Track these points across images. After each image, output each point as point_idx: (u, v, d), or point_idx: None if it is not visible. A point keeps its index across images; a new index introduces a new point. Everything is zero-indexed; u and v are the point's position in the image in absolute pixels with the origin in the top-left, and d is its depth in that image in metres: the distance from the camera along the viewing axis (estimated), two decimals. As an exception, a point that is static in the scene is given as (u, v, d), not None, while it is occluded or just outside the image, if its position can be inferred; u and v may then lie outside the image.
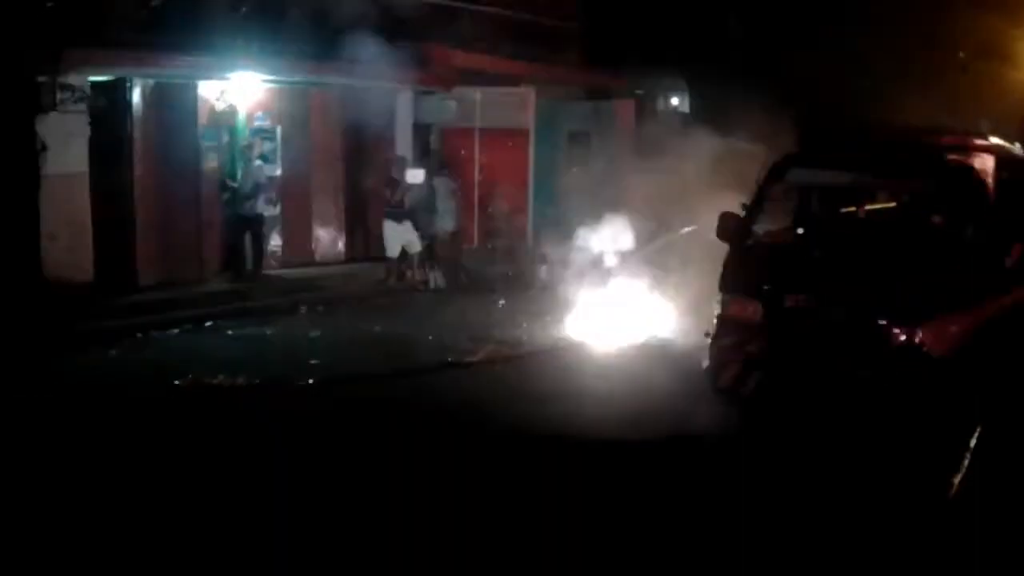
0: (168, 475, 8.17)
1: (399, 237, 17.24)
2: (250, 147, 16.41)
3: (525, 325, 14.30)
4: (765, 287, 9.28)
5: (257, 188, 15.99)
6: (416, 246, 17.38)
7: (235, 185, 15.88)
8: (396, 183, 17.37)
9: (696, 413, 9.56)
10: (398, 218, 17.18)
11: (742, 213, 9.84)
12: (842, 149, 10.06)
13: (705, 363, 9.76)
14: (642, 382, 11.27)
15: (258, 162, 16.26)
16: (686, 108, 23.91)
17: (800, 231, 10.22)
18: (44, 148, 13.30)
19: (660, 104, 23.59)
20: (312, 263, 17.79)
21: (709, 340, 9.67)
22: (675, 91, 23.72)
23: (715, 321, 9.61)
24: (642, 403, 10.38)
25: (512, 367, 12.37)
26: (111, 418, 9.67)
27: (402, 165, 17.89)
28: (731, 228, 9.71)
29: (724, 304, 9.53)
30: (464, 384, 11.61)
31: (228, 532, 7.11)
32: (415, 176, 17.42)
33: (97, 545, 6.90)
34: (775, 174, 9.94)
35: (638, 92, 22.43)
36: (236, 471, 8.26)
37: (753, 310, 9.24)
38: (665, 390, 10.66)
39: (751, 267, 9.54)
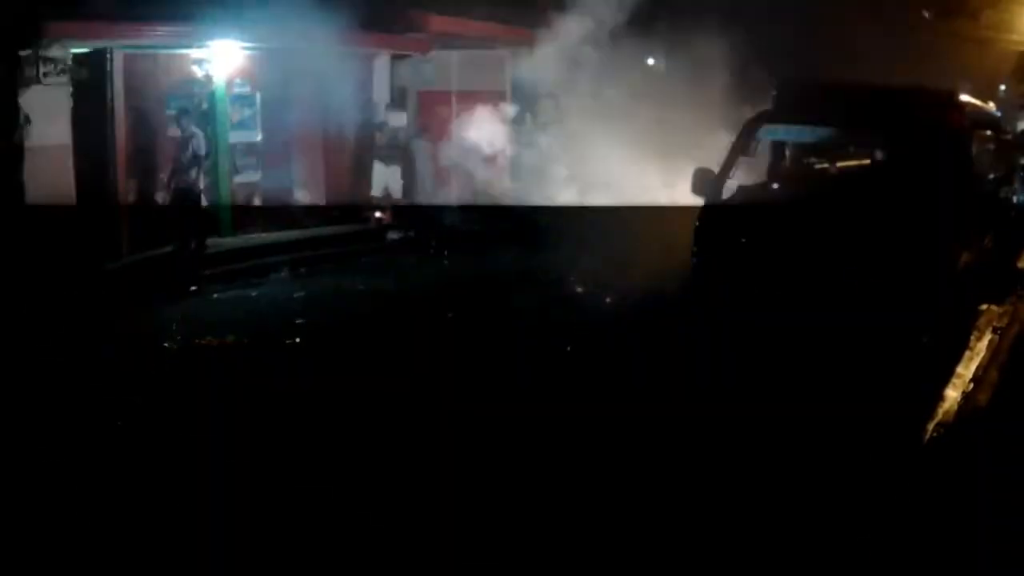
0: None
1: (385, 178, 17.89)
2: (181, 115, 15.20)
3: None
4: (737, 240, 9.58)
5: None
6: (397, 192, 18.00)
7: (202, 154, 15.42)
8: (382, 126, 18.02)
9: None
10: (386, 161, 17.87)
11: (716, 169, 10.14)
12: (811, 106, 10.28)
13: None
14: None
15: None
16: (662, 69, 24.08)
17: (771, 186, 10.51)
18: (28, 121, 13.40)
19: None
20: (295, 226, 17.95)
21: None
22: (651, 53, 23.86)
23: (691, 272, 9.95)
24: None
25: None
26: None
27: (388, 109, 18.73)
28: (704, 183, 10.00)
29: (699, 256, 9.85)
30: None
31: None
32: (399, 119, 18.04)
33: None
34: (748, 130, 10.21)
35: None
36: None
37: (725, 261, 9.56)
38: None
39: (723, 221, 9.83)
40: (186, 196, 14.99)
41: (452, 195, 19.50)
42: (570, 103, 20.08)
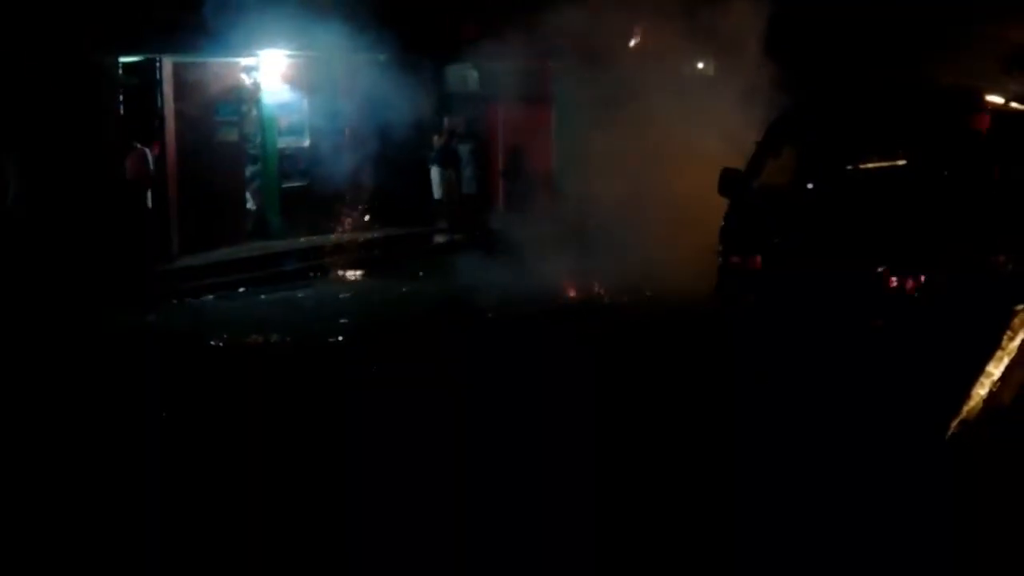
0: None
1: (439, 182, 18.23)
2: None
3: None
4: (763, 239, 9.64)
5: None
6: (450, 195, 18.32)
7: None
8: (436, 131, 18.65)
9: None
10: (443, 164, 18.20)
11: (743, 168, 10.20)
12: (837, 107, 10.32)
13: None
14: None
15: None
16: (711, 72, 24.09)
17: (798, 186, 10.53)
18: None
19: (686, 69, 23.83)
20: (342, 229, 18.26)
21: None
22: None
23: (717, 272, 10.02)
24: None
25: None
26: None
27: (440, 115, 19.27)
28: (731, 183, 10.08)
29: (724, 255, 9.94)
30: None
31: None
32: (453, 124, 18.36)
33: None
34: (774, 130, 10.28)
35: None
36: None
37: (751, 261, 9.63)
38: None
39: (750, 220, 9.89)
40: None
41: (502, 198, 19.73)
42: (613, 108, 20.20)
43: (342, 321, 12.88)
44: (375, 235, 18.14)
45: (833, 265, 9.29)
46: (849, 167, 10.51)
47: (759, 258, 9.64)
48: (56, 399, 9.37)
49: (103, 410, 9.11)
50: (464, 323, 12.41)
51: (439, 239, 18.63)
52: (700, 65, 24.29)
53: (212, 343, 11.85)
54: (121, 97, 14.31)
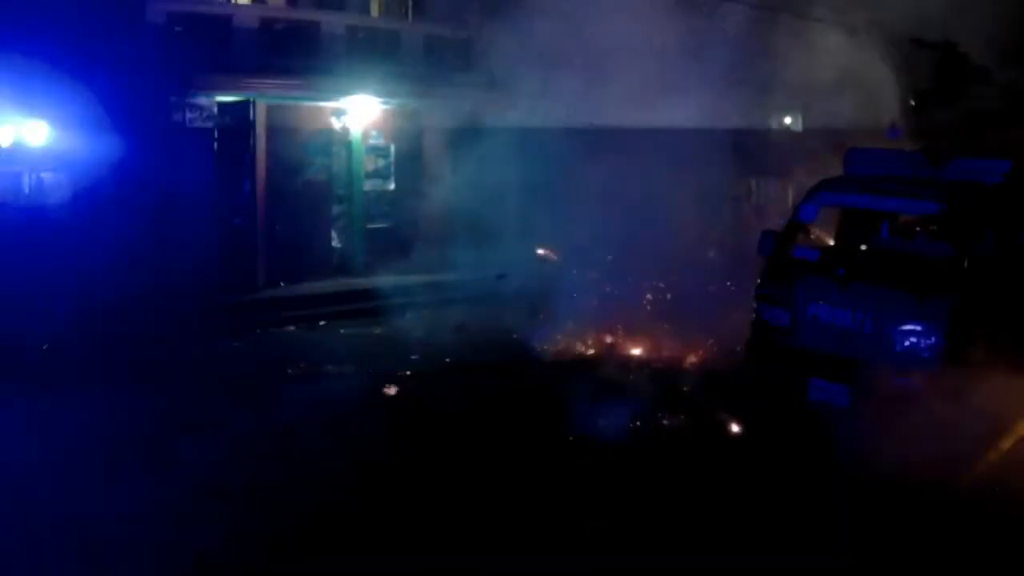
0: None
1: None
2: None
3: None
4: (794, 299, 9.87)
5: None
6: None
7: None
8: None
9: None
10: None
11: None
12: (875, 173, 10.44)
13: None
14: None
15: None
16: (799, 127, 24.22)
17: (831, 249, 10.77)
18: None
19: (773, 123, 24.01)
20: (423, 271, 18.77)
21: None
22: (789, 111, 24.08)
23: (750, 325, 10.35)
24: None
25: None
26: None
27: None
28: (769, 244, 10.41)
29: (758, 311, 10.26)
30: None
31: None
32: None
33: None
34: (810, 196, 10.57)
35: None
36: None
37: (783, 318, 9.91)
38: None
39: (785, 280, 10.13)
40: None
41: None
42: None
43: (412, 357, 13.37)
44: (453, 277, 18.63)
45: (873, 324, 9.39)
46: (887, 234, 10.60)
47: (789, 315, 9.89)
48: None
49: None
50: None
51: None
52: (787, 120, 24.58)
53: (290, 370, 12.48)
54: (216, 135, 15.03)
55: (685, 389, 11.41)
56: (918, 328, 9.12)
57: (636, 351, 13.57)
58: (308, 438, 9.65)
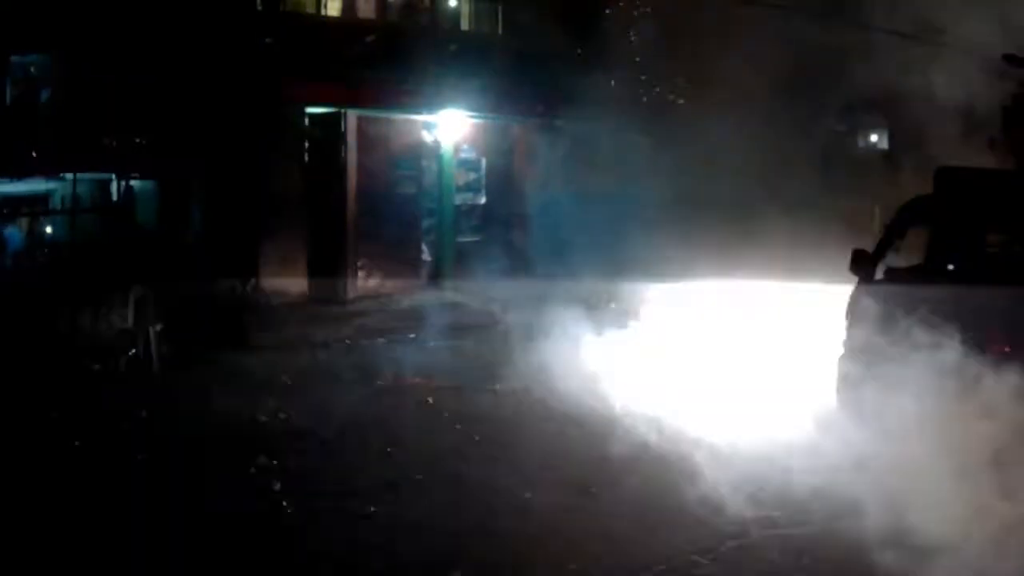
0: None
1: None
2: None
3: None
4: (887, 317, 9.57)
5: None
6: None
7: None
8: None
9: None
10: None
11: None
12: (967, 195, 10.11)
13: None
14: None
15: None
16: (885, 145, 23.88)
17: (923, 269, 10.43)
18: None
19: (860, 140, 23.71)
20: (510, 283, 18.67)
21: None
22: (875, 128, 23.74)
23: (842, 345, 10.06)
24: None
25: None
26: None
27: None
28: (861, 263, 10.15)
29: (850, 331, 9.98)
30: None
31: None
32: None
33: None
34: (902, 214, 10.30)
35: (839, 128, 22.55)
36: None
37: (875, 338, 9.59)
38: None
39: (876, 300, 9.86)
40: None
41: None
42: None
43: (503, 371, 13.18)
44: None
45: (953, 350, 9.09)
46: (975, 254, 10.23)
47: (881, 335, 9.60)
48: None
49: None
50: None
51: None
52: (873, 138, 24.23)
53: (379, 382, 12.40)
54: (307, 146, 15.10)
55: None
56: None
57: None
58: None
